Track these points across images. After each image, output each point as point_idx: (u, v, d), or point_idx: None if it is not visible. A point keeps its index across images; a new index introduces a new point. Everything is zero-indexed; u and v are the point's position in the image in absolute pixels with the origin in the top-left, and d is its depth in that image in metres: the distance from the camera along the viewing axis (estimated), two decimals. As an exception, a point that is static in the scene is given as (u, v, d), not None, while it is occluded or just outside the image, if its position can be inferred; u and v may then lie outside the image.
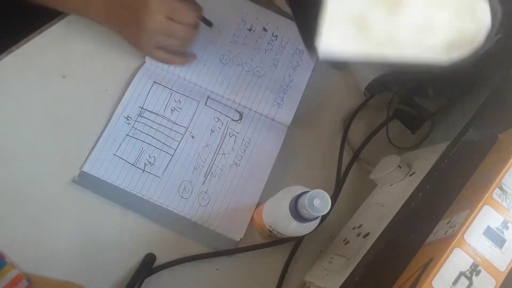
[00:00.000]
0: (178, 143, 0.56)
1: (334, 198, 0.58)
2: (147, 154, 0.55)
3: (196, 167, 0.56)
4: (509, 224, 0.40)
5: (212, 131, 0.58)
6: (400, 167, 0.54)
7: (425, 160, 0.52)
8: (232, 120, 0.59)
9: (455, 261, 0.37)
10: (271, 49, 0.63)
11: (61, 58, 0.54)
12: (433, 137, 0.57)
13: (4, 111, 0.54)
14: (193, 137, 0.57)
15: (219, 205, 0.55)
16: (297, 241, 0.56)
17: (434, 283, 0.36)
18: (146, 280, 0.51)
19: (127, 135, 0.55)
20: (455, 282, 0.36)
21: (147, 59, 0.58)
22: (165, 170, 0.55)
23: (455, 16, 0.39)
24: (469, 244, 0.38)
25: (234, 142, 0.58)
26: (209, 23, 0.57)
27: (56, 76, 0.56)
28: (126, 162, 0.54)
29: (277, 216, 0.46)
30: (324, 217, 0.53)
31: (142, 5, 0.48)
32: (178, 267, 0.52)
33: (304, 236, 0.55)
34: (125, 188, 0.53)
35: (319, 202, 0.41)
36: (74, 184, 0.52)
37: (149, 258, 0.52)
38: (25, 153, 0.53)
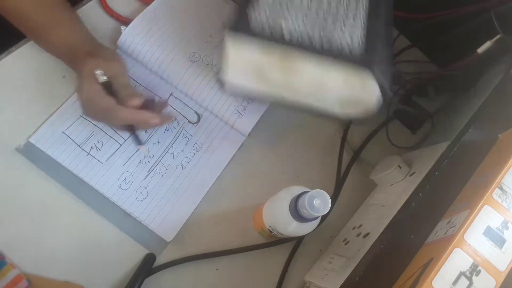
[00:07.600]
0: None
1: (334, 198, 0.58)
2: (96, 139, 0.54)
3: (142, 161, 0.55)
4: (509, 224, 0.40)
5: (167, 129, 0.57)
6: (400, 167, 0.54)
7: (425, 160, 0.52)
8: (189, 122, 0.58)
9: (455, 261, 0.37)
10: None
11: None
12: (433, 137, 0.57)
13: (4, 112, 0.54)
14: (146, 131, 0.57)
15: (156, 203, 0.54)
16: (297, 241, 0.56)
17: (434, 283, 0.36)
18: (146, 280, 0.51)
19: (82, 116, 0.55)
20: (455, 282, 0.36)
21: (119, 45, 0.57)
22: (109, 157, 0.54)
23: (344, 82, 0.46)
24: (469, 244, 0.38)
25: (186, 144, 0.57)
26: (138, 142, 0.53)
27: (56, 76, 0.56)
28: (73, 142, 0.54)
29: (277, 216, 0.46)
30: (324, 217, 0.53)
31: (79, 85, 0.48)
32: (178, 267, 0.52)
33: (304, 236, 0.55)
34: (66, 166, 0.53)
35: (319, 202, 0.41)
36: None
37: (149, 258, 0.52)
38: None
